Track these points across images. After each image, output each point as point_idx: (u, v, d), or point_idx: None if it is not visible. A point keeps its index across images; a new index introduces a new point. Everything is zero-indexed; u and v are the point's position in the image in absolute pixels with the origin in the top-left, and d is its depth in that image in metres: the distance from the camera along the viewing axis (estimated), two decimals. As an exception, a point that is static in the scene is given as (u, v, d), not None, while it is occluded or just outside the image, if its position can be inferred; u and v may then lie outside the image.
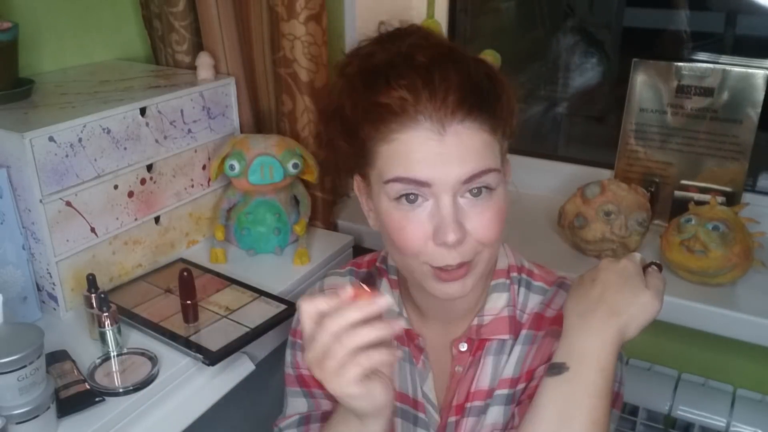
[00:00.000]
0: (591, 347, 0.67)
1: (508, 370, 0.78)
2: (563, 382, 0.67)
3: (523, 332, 0.79)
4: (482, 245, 0.69)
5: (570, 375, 0.67)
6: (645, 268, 0.73)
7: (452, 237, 0.65)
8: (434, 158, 0.65)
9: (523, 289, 0.81)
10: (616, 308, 0.68)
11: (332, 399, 0.83)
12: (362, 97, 0.68)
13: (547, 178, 1.45)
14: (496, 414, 0.78)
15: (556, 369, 0.68)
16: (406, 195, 0.67)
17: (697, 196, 1.23)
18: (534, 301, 0.81)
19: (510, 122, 0.71)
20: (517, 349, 0.78)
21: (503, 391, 0.78)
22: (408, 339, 0.81)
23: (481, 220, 0.67)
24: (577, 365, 0.67)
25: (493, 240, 0.70)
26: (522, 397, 0.77)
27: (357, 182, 0.76)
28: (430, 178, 0.65)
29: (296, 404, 0.86)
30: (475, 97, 0.65)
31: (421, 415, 0.80)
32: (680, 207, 1.21)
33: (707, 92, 1.23)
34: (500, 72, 0.71)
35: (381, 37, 0.72)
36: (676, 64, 1.25)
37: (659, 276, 0.72)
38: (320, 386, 0.82)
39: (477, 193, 0.67)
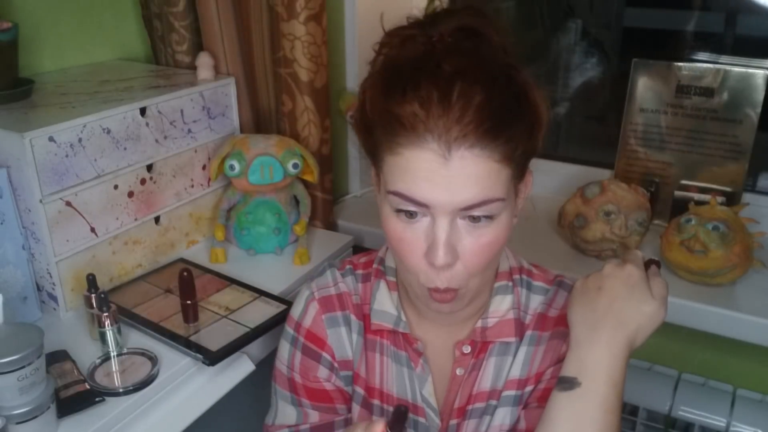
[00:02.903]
0: (602, 361, 0.67)
1: (515, 371, 0.78)
2: (576, 398, 0.66)
3: (528, 333, 0.79)
4: (469, 274, 0.68)
5: (582, 390, 0.66)
6: (645, 266, 0.73)
7: (441, 260, 0.65)
8: (436, 181, 0.63)
9: (524, 290, 0.81)
10: (625, 320, 0.68)
11: (320, 410, 0.83)
12: (379, 99, 0.66)
13: (547, 178, 1.45)
14: (503, 415, 0.77)
15: (567, 384, 0.67)
16: (406, 211, 0.67)
17: (697, 196, 1.23)
18: (536, 302, 0.80)
19: (532, 143, 0.67)
20: (523, 350, 0.78)
21: (511, 393, 0.78)
22: (406, 343, 0.80)
23: (473, 247, 0.67)
24: (589, 381, 0.66)
25: (479, 269, 0.69)
26: (529, 399, 0.77)
27: (373, 173, 0.76)
28: (429, 201, 0.64)
29: (285, 411, 0.85)
30: (493, 122, 0.62)
31: (421, 419, 0.79)
32: (680, 207, 1.21)
33: (707, 92, 1.23)
34: (534, 88, 0.67)
35: (425, 19, 0.69)
36: (676, 64, 1.25)
37: (662, 281, 0.72)
38: (309, 396, 0.82)
39: (476, 219, 0.66)
